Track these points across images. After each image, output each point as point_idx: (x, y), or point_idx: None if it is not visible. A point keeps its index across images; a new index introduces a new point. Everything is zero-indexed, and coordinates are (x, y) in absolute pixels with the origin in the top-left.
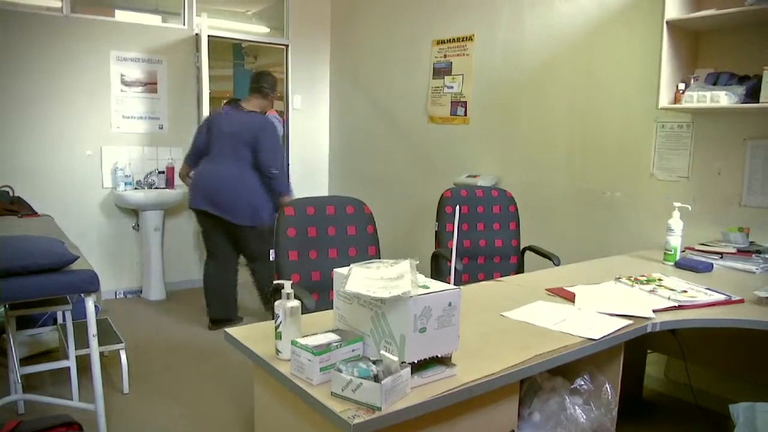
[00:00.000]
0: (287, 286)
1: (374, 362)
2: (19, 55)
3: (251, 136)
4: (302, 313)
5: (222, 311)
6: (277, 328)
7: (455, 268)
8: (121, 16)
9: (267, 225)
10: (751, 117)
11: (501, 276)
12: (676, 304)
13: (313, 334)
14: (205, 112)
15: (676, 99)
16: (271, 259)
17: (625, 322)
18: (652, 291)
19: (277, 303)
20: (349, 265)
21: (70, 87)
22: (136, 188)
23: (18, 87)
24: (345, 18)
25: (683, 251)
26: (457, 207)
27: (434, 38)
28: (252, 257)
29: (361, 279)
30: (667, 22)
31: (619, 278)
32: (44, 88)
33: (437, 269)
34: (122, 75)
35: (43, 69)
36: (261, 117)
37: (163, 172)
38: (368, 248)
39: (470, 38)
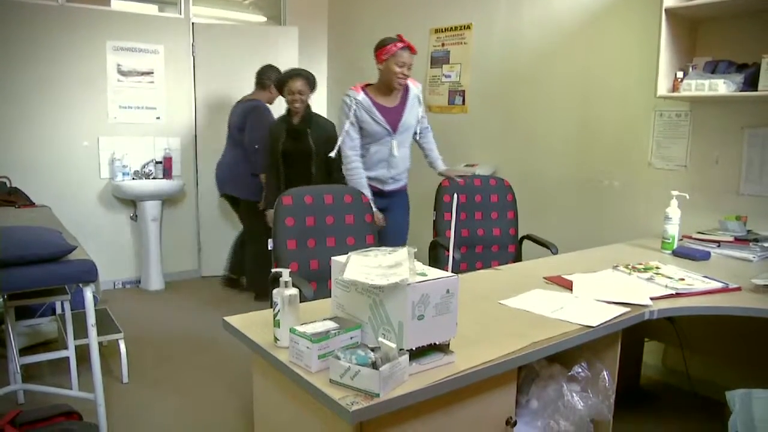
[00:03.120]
0: (285, 274)
1: (372, 349)
2: (15, 46)
3: (241, 119)
4: (300, 302)
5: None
6: (275, 316)
7: (453, 257)
8: (117, 5)
9: (248, 198)
10: (750, 105)
11: (499, 264)
12: (674, 292)
13: (312, 322)
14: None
15: (675, 87)
16: (269, 248)
17: (623, 309)
18: (649, 279)
19: (275, 291)
20: (347, 254)
21: (66, 77)
22: (133, 178)
23: (14, 78)
24: (342, 6)
25: (681, 239)
26: (455, 196)
27: (432, 27)
28: (245, 232)
29: (359, 267)
30: (666, 11)
31: (616, 266)
32: (40, 78)
33: (435, 258)
34: (119, 65)
35: (38, 59)
36: (251, 102)
37: (160, 162)
38: (366, 237)
39: (468, 27)
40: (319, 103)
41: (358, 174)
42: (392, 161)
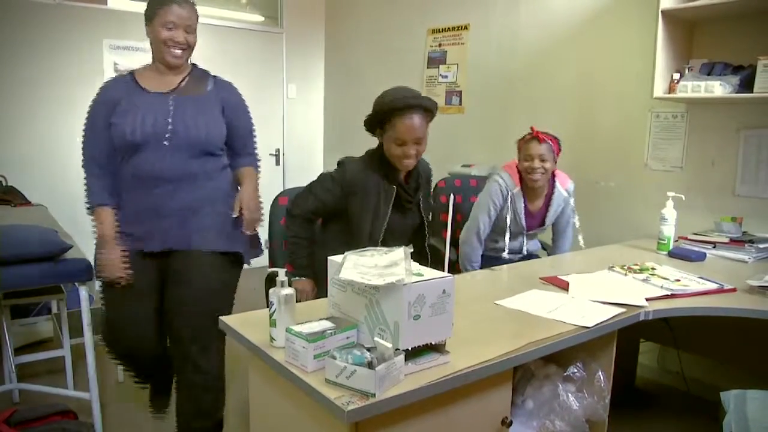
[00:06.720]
0: (281, 274)
1: (368, 349)
2: (10, 44)
3: None
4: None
5: None
6: (271, 315)
7: (449, 258)
8: (114, 3)
9: None
10: (745, 107)
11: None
12: (669, 293)
13: (308, 322)
14: None
15: (671, 89)
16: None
17: (618, 310)
18: (645, 280)
19: (271, 291)
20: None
21: (62, 76)
22: None
23: (9, 76)
24: (340, 6)
25: (676, 241)
26: (451, 196)
27: (429, 27)
28: None
29: (355, 266)
30: (662, 12)
31: (612, 267)
32: (36, 77)
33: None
34: (115, 63)
35: (34, 57)
36: None
37: None
38: None
39: (465, 27)
40: (315, 103)
41: (469, 260)
42: (522, 251)
